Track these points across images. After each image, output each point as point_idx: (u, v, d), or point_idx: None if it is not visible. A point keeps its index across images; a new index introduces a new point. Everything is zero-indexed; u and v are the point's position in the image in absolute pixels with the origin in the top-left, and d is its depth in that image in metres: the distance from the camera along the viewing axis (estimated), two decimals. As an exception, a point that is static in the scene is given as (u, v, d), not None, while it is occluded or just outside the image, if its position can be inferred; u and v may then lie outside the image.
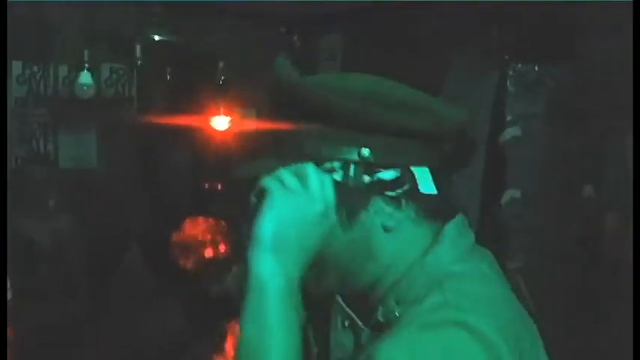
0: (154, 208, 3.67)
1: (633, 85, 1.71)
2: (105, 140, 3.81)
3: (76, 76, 3.70)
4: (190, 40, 3.78)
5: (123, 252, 3.41)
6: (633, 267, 1.65)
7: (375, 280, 0.91)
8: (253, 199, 0.88)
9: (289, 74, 0.91)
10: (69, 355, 2.96)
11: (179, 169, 3.90)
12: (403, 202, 0.88)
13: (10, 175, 3.61)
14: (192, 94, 3.71)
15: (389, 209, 0.88)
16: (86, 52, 3.67)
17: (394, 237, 0.89)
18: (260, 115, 3.62)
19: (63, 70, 3.81)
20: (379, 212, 0.88)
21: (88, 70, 3.68)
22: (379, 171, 0.87)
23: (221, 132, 3.71)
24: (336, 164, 0.88)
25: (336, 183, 0.87)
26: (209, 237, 3.50)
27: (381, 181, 0.87)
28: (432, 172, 0.89)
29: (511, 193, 2.60)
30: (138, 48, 3.69)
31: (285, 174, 0.86)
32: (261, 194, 0.86)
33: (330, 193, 0.86)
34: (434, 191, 0.88)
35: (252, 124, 3.47)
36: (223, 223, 3.53)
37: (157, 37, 3.73)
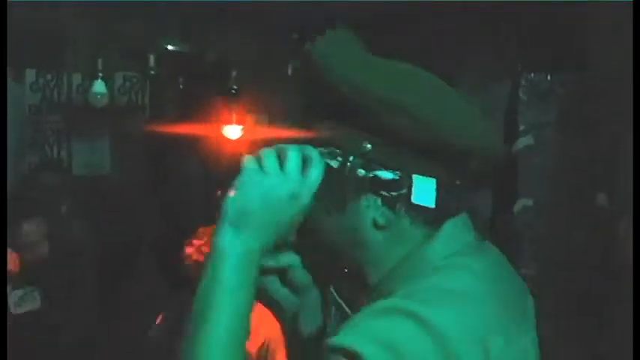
0: (166, 215, 3.69)
1: (633, 85, 1.73)
2: (118, 148, 3.84)
3: (90, 85, 3.74)
4: (203, 49, 3.81)
5: (135, 258, 3.42)
6: (633, 267, 1.66)
7: (365, 269, 0.92)
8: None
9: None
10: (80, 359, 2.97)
11: (191, 176, 3.91)
12: (397, 204, 0.88)
13: (24, 182, 3.64)
14: (204, 103, 3.73)
15: (382, 208, 0.88)
16: (100, 61, 3.71)
17: (385, 233, 0.90)
18: (272, 122, 3.64)
19: (77, 79, 3.84)
20: (371, 207, 0.89)
21: (102, 78, 3.72)
22: (378, 169, 0.88)
23: (233, 140, 3.73)
24: (338, 151, 0.89)
25: (328, 168, 0.89)
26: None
27: (377, 179, 0.88)
28: (438, 184, 0.88)
29: (523, 202, 2.61)
30: (151, 57, 3.73)
31: (266, 154, 0.90)
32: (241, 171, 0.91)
33: (313, 177, 0.88)
34: (431, 204, 0.88)
35: (264, 132, 3.49)
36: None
37: (169, 47, 3.76)
